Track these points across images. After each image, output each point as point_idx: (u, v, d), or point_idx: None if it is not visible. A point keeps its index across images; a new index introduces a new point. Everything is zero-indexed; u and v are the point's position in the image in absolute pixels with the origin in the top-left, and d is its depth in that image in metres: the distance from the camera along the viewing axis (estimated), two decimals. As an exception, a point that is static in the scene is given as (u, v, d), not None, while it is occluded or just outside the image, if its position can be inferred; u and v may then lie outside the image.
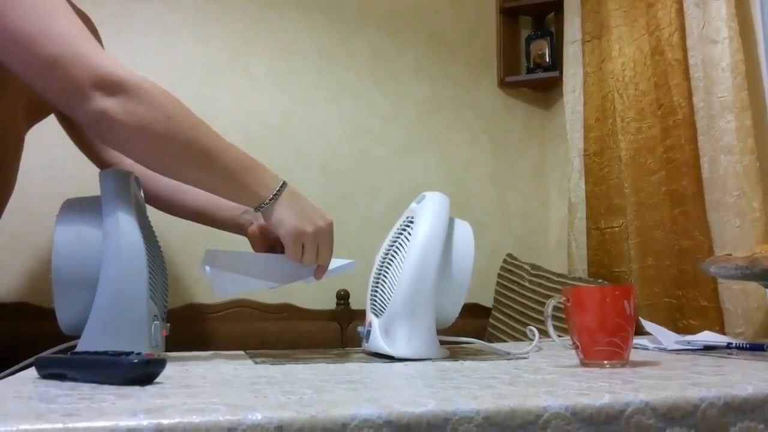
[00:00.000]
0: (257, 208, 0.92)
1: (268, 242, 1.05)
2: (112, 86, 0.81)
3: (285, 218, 0.92)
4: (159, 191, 1.12)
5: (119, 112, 0.81)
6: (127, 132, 0.83)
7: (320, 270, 0.99)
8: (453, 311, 0.98)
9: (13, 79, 0.85)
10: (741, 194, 1.30)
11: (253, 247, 1.07)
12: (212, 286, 0.97)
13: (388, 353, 0.92)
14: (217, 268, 0.96)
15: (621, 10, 1.66)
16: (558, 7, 1.98)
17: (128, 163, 1.12)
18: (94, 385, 0.62)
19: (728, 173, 1.32)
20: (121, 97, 0.81)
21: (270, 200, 0.91)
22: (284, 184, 0.93)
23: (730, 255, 1.10)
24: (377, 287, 0.99)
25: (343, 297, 1.82)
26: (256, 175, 0.92)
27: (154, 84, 0.85)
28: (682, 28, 1.43)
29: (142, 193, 0.97)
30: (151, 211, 1.00)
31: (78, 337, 0.83)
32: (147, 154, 0.87)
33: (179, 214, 1.17)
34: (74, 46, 0.81)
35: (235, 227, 1.10)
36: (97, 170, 0.94)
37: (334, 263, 1.03)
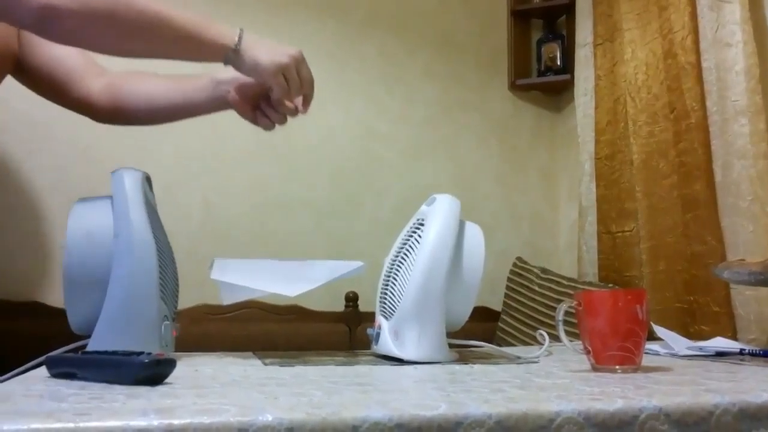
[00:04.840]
0: (226, 62, 0.93)
1: (251, 101, 1.04)
2: None
3: (257, 58, 0.93)
4: (135, 106, 1.13)
5: (62, 0, 0.82)
6: (74, 18, 0.84)
7: (306, 101, 1.00)
8: (463, 314, 0.97)
9: None
10: (754, 199, 1.29)
11: (239, 112, 1.06)
12: (221, 293, 0.98)
13: (397, 356, 0.92)
14: (226, 279, 0.97)
15: (633, 13, 1.66)
16: (569, 10, 1.98)
17: (100, 87, 1.11)
18: (104, 384, 0.62)
19: (741, 177, 1.31)
20: None
21: (236, 46, 0.92)
22: (242, 30, 0.94)
23: (744, 260, 1.09)
24: (387, 289, 0.99)
25: (351, 299, 1.82)
26: (213, 30, 0.93)
27: None
28: (696, 32, 1.42)
29: (153, 193, 0.97)
30: (162, 213, 1.00)
31: (88, 336, 0.83)
32: (98, 36, 0.88)
33: (161, 119, 1.16)
34: None
35: (216, 103, 1.09)
36: (107, 170, 0.94)
37: (343, 266, 1.02)
